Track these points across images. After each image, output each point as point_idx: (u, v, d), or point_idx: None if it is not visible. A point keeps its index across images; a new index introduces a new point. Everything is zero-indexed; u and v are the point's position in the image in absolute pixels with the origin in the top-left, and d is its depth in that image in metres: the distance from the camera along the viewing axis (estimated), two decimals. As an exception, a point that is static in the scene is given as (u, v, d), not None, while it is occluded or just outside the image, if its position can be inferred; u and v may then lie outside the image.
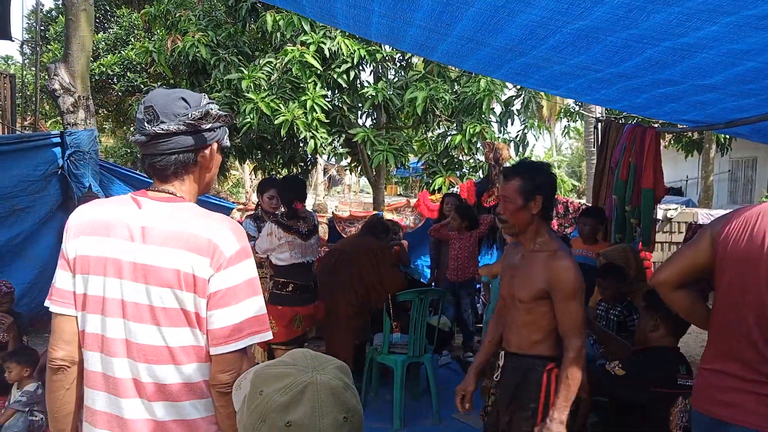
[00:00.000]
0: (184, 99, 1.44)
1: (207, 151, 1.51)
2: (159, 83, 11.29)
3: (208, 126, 1.47)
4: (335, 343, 4.05)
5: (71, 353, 1.43)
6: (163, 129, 1.39)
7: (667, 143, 14.36)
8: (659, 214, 8.45)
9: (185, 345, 1.40)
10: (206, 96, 1.52)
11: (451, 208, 5.65)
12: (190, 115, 1.41)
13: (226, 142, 1.57)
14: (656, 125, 5.47)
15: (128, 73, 12.75)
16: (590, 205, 5.55)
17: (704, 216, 8.47)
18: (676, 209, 8.64)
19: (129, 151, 10.47)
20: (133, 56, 11.81)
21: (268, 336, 1.45)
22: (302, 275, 3.73)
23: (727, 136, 12.15)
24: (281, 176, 10.39)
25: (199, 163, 1.50)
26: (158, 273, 1.37)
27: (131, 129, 14.41)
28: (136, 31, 13.41)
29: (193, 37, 7.66)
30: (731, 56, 2.29)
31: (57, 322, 1.43)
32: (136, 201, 1.44)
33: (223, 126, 1.53)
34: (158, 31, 9.64)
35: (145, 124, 1.41)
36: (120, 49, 13.47)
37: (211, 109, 1.45)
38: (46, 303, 1.45)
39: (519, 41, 2.53)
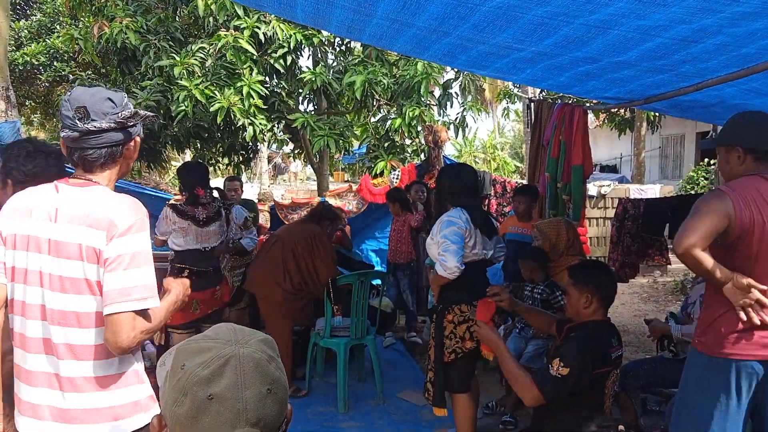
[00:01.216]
0: (110, 99, 1.63)
1: (131, 144, 1.72)
2: (88, 72, 10.83)
3: (133, 123, 1.67)
4: (272, 328, 4.03)
5: None
6: (95, 126, 1.58)
7: (601, 123, 14.87)
8: (593, 191, 8.76)
9: (89, 311, 1.61)
10: (125, 93, 1.72)
11: (417, 196, 5.67)
12: (120, 115, 1.62)
13: (141, 134, 1.76)
14: (587, 104, 5.65)
15: (55, 63, 12.15)
16: (527, 183, 5.69)
17: (635, 191, 8.82)
18: (609, 185, 8.97)
19: (59, 144, 10.00)
20: (59, 44, 11.26)
21: (155, 303, 1.64)
22: (199, 261, 3.75)
23: (656, 115, 12.67)
24: (222, 165, 10.23)
25: (124, 154, 1.70)
26: (66, 248, 1.59)
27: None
28: (60, 19, 12.78)
29: (121, 23, 7.37)
30: (640, 32, 2.39)
31: None
32: (56, 187, 1.65)
33: (140, 118, 1.71)
34: (84, 17, 9.23)
35: (77, 122, 1.58)
36: (45, 37, 12.80)
37: (130, 105, 1.67)
38: None
39: (441, 20, 2.56)
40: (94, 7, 8.58)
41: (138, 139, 1.74)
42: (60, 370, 1.61)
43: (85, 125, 1.57)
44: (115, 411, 1.65)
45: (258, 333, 0.99)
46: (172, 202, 3.91)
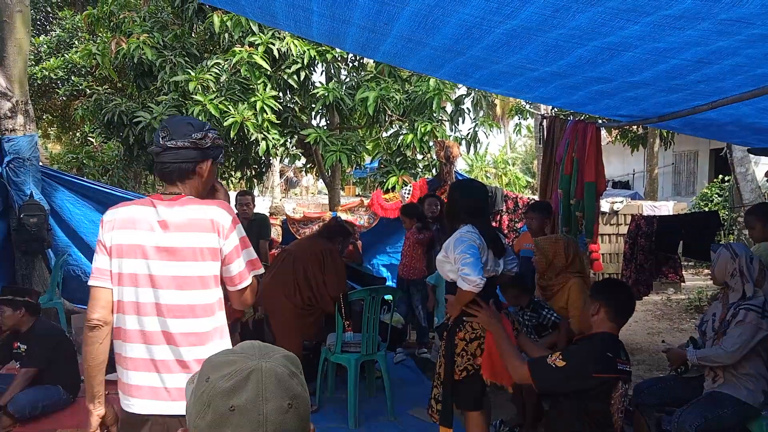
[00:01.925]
0: (190, 123, 1.93)
1: (204, 164, 1.95)
2: (105, 86, 11.00)
3: (207, 145, 1.92)
4: (282, 343, 4.02)
5: (105, 316, 1.87)
6: (172, 143, 1.87)
7: (613, 138, 14.83)
8: (606, 207, 8.71)
9: (201, 303, 1.89)
10: (209, 124, 1.99)
11: (430, 210, 5.67)
12: (193, 136, 1.89)
13: (221, 159, 2.07)
14: (600, 121, 5.64)
15: (72, 77, 12.36)
16: (539, 200, 5.68)
17: (648, 208, 8.77)
18: (622, 202, 8.92)
19: (75, 157, 10.16)
20: (77, 59, 11.47)
21: (262, 271, 2.03)
22: None
23: (670, 131, 12.62)
24: (235, 179, 10.30)
25: (196, 171, 1.94)
26: (179, 252, 1.86)
27: (77, 134, 13.98)
28: (79, 34, 13.01)
29: (138, 38, 7.50)
30: (655, 54, 2.40)
31: (95, 292, 1.88)
32: (152, 203, 1.91)
33: (220, 147, 1.99)
34: (102, 33, 9.39)
35: (160, 139, 1.89)
36: (63, 52, 13.05)
37: (210, 133, 1.94)
38: (90, 282, 1.90)
39: (456, 41, 2.58)
40: (112, 24, 8.72)
41: (210, 162, 1.96)
42: (182, 356, 1.87)
43: (165, 142, 1.88)
44: None
45: (282, 350, 1.00)
46: None
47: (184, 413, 1.45)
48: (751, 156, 9.59)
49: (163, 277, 1.87)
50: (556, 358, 2.36)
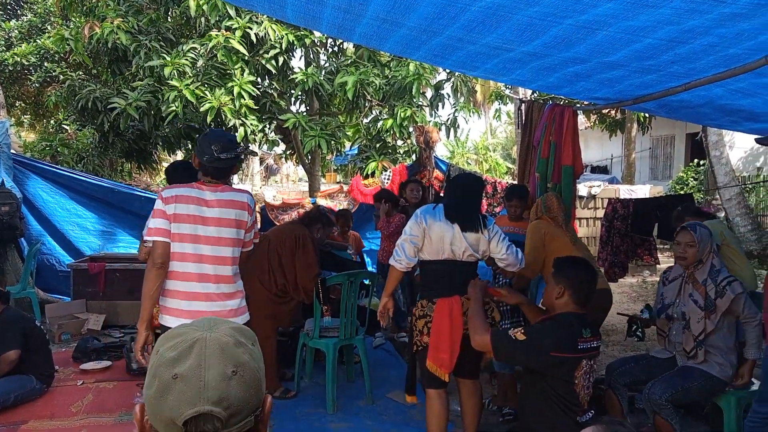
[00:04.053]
0: (232, 140, 2.81)
1: (236, 167, 2.94)
2: (78, 72, 10.76)
3: (241, 155, 2.84)
4: (254, 327, 4.00)
5: (165, 261, 2.64)
6: (224, 155, 2.69)
7: (592, 124, 14.95)
8: (584, 191, 8.80)
9: (235, 256, 2.79)
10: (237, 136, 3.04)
11: (412, 195, 5.65)
12: (238, 150, 2.78)
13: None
14: (578, 105, 5.68)
15: (45, 63, 12.08)
16: (517, 183, 5.70)
17: (625, 192, 8.87)
18: (599, 186, 9.02)
19: (48, 144, 9.93)
20: (50, 45, 11.19)
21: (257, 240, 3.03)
22: None
23: (646, 116, 12.76)
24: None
25: (233, 169, 2.85)
26: (228, 222, 2.73)
27: (51, 122, 13.69)
28: (52, 19, 12.71)
29: (112, 23, 7.33)
30: (629, 33, 2.40)
31: (158, 245, 2.63)
32: (200, 187, 2.72)
33: (246, 153, 3.09)
34: (75, 17, 9.17)
35: (215, 152, 2.67)
36: (35, 37, 12.74)
37: (241, 147, 2.87)
38: (147, 237, 2.70)
39: (431, 20, 2.56)
40: (85, 8, 8.53)
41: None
42: (216, 290, 2.71)
43: (219, 154, 2.67)
44: (240, 310, 2.82)
45: (234, 323, 1.01)
46: None
47: None
48: (725, 140, 9.74)
49: (207, 237, 2.68)
50: (518, 331, 2.45)
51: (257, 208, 7.51)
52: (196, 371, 0.90)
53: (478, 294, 2.87)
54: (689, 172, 12.32)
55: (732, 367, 3.09)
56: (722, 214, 10.03)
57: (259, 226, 6.49)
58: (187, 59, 7.13)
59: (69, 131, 10.79)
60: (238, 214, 2.74)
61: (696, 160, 12.44)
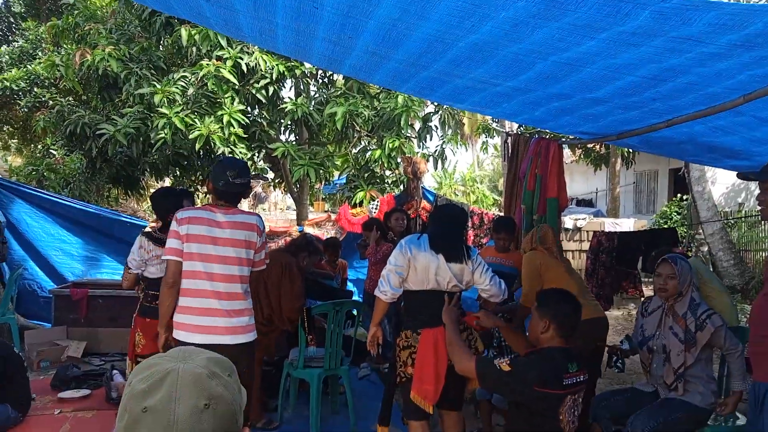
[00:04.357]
0: (245, 167, 3.01)
1: (248, 191, 3.15)
2: (68, 98, 10.78)
3: (253, 178, 3.20)
4: None
5: (177, 279, 2.86)
6: (239, 181, 2.91)
7: (577, 158, 15.16)
8: (570, 224, 8.88)
9: (244, 275, 2.95)
10: (253, 162, 3.54)
11: (397, 224, 5.64)
12: (249, 176, 2.99)
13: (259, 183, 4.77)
14: (563, 139, 5.77)
15: (35, 88, 12.09)
16: (503, 215, 5.74)
17: (610, 225, 8.97)
18: (585, 219, 9.11)
19: (35, 169, 9.89)
20: (40, 71, 11.23)
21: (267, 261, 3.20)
22: None
23: (630, 151, 12.98)
24: (201, 193, 10.18)
25: (245, 193, 3.11)
26: (238, 243, 2.91)
27: (39, 147, 13.63)
28: (43, 45, 12.76)
29: (104, 50, 7.40)
30: (612, 70, 2.47)
31: (170, 264, 2.87)
32: (212, 210, 2.92)
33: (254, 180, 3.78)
34: (66, 44, 9.23)
35: (230, 178, 2.87)
36: (26, 63, 12.76)
37: (255, 174, 3.48)
38: (164, 256, 2.92)
39: (419, 55, 2.62)
40: (77, 35, 8.60)
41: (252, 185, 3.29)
42: (226, 307, 2.86)
43: (233, 180, 2.88)
44: (248, 327, 2.96)
45: (210, 353, 0.99)
46: (146, 230, 3.87)
47: (227, 343, 2.80)
48: (708, 175, 9.92)
49: (219, 257, 2.85)
50: (503, 362, 2.42)
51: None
52: (166, 404, 0.88)
53: (452, 319, 2.89)
54: (672, 207, 12.49)
55: (713, 395, 3.10)
56: (705, 249, 10.15)
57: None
58: (177, 87, 7.19)
59: (56, 156, 10.75)
60: (248, 235, 2.93)
61: (679, 195, 12.62)
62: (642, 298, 7.51)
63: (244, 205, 23.75)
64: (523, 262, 3.82)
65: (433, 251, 2.99)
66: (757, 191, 2.39)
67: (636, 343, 3.44)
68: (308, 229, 7.32)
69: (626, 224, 9.21)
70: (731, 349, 3.08)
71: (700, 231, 10.09)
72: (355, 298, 6.65)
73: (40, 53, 12.69)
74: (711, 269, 9.55)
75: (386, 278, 3.03)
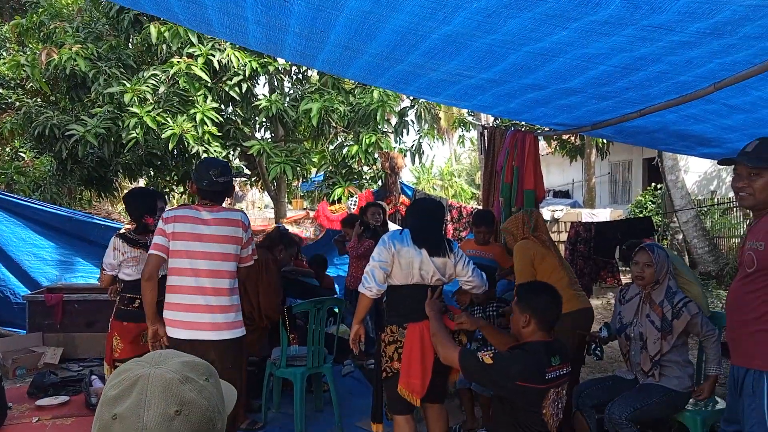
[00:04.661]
0: (226, 166, 3.15)
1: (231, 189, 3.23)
2: (36, 99, 10.52)
3: (236, 176, 3.72)
4: None
5: (153, 274, 2.97)
6: (222, 179, 3.03)
7: (553, 150, 15.30)
8: (547, 215, 8.95)
9: (231, 270, 3.07)
10: (228, 161, 3.56)
11: (374, 218, 5.61)
12: (232, 174, 3.15)
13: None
14: (539, 131, 5.80)
15: (0, 90, 11.79)
16: (482, 208, 5.76)
17: (587, 215, 9.07)
18: (562, 210, 9.19)
19: (3, 173, 9.64)
20: (5, 71, 10.94)
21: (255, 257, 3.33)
22: None
23: (605, 142, 13.14)
24: (177, 194, 10.03)
25: (229, 191, 3.17)
26: (223, 239, 3.02)
27: (6, 149, 13.30)
28: (7, 45, 12.43)
29: (71, 49, 7.23)
30: (584, 60, 2.48)
31: (151, 258, 2.99)
32: (198, 209, 3.04)
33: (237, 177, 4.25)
34: (31, 43, 9.01)
35: (213, 177, 3.00)
36: (-10, 64, 12.42)
37: (237, 171, 4.77)
38: (151, 251, 3.01)
39: (393, 47, 2.60)
40: (42, 34, 8.39)
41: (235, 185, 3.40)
42: (211, 302, 2.96)
43: (217, 179, 3.01)
44: (236, 323, 3.06)
45: (186, 356, 0.96)
46: (121, 231, 3.79)
47: (212, 339, 2.96)
48: (680, 164, 10.08)
49: (204, 253, 2.96)
50: (486, 354, 2.43)
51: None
52: (135, 411, 0.86)
53: (437, 311, 2.90)
54: (647, 196, 12.67)
55: (690, 379, 3.14)
56: (680, 236, 10.32)
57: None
58: (148, 86, 7.06)
59: (26, 159, 10.51)
60: (233, 231, 3.05)
61: (653, 184, 12.81)
62: (620, 286, 7.63)
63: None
64: (516, 253, 3.73)
65: (416, 246, 3.00)
66: (729, 179, 2.43)
67: (614, 330, 3.48)
68: (287, 227, 7.26)
69: (603, 214, 9.32)
70: (708, 335, 3.12)
71: (675, 219, 10.26)
72: (336, 295, 6.62)
73: (4, 53, 12.35)
74: (686, 257, 9.72)
75: (370, 274, 3.00)
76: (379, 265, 2.99)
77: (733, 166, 2.41)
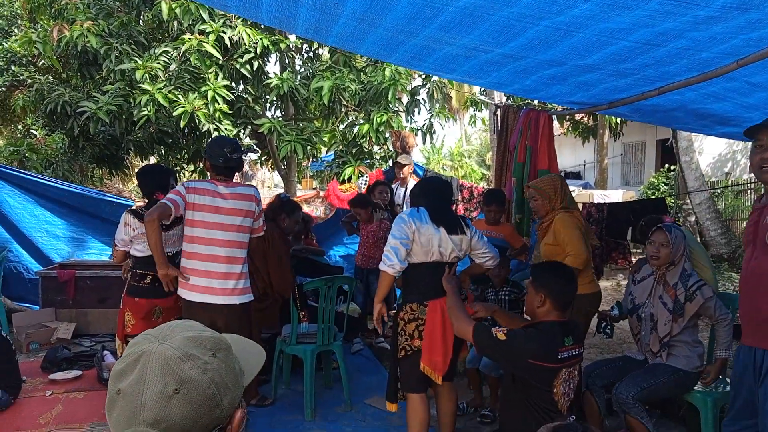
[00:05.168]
0: (238, 143, 3.36)
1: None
2: (47, 76, 10.52)
3: (246, 152, 3.75)
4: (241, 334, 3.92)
5: (156, 217, 3.06)
6: (236, 155, 3.27)
7: (565, 130, 15.14)
8: (559, 196, 8.87)
9: (244, 241, 3.35)
10: (239, 139, 4.19)
11: (381, 197, 5.58)
12: (243, 150, 3.41)
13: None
14: (552, 111, 5.72)
15: (12, 67, 11.77)
16: (494, 188, 5.71)
17: (599, 196, 8.99)
18: (574, 191, 9.10)
19: (16, 150, 9.68)
20: (17, 48, 10.92)
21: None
22: None
23: (618, 122, 12.97)
24: (187, 172, 10.04)
25: (241, 166, 3.43)
26: (239, 212, 3.29)
27: (19, 126, 13.35)
28: (19, 22, 12.41)
29: (82, 26, 7.19)
30: (605, 35, 2.42)
31: (160, 205, 3.12)
32: (215, 182, 3.29)
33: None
34: (43, 20, 8.98)
35: (228, 153, 3.22)
36: (1, 40, 12.42)
37: (247, 147, 4.92)
38: (162, 200, 3.17)
39: (408, 20, 2.55)
40: (53, 10, 8.35)
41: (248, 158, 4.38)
42: (225, 270, 3.24)
43: (231, 155, 3.24)
44: (246, 289, 3.35)
45: (195, 330, 0.94)
46: (133, 208, 3.80)
47: (219, 303, 3.24)
48: (695, 146, 9.94)
49: (221, 224, 3.19)
50: (500, 330, 2.44)
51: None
52: (135, 388, 0.85)
53: (454, 286, 2.93)
54: (660, 178, 12.53)
55: (699, 359, 3.12)
56: (693, 218, 10.22)
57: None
58: (159, 63, 7.02)
59: (38, 136, 10.54)
60: (248, 204, 3.30)
61: (666, 166, 12.67)
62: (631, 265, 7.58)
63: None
64: (565, 224, 3.46)
65: (434, 224, 3.02)
66: (744, 161, 2.36)
67: (626, 310, 3.45)
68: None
69: (614, 196, 9.23)
70: (720, 318, 3.09)
71: (688, 201, 10.15)
72: (345, 274, 6.63)
73: (15, 30, 12.33)
74: (698, 239, 9.64)
75: (393, 252, 2.98)
76: (400, 242, 2.97)
77: (751, 144, 2.35)
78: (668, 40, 2.43)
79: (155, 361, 0.86)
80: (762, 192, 2.45)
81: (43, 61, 10.23)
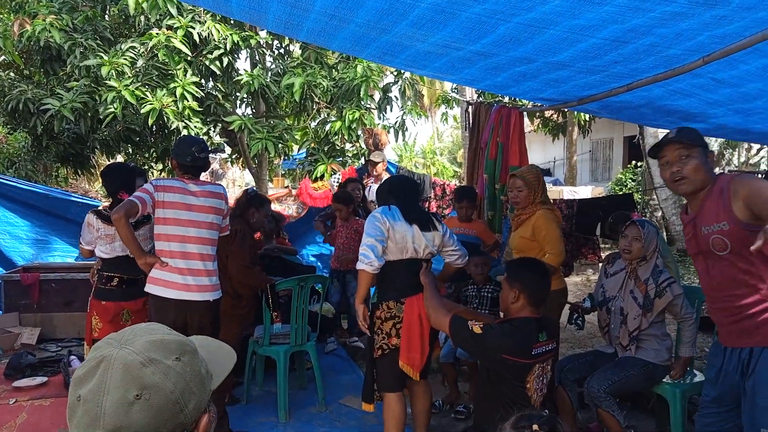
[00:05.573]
0: (204, 142, 3.35)
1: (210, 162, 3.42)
2: (8, 72, 10.21)
3: (212, 152, 3.59)
4: (222, 334, 3.81)
5: (123, 215, 2.95)
6: (203, 155, 3.26)
7: (535, 127, 15.31)
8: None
9: (214, 238, 3.30)
10: (209, 137, 4.53)
11: (355, 194, 5.51)
12: (209, 150, 3.37)
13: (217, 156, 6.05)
14: (522, 106, 5.77)
15: (-29, 63, 11.40)
16: (465, 185, 5.72)
17: (568, 192, 9.10)
18: (545, 188, 9.21)
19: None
20: (-24, 43, 10.58)
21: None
22: (128, 268, 3.54)
23: (587, 119, 13.16)
24: (156, 171, 9.85)
25: (207, 165, 3.40)
26: (210, 209, 3.24)
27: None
28: (-23, 16, 12.01)
29: (45, 20, 6.97)
30: (575, 32, 2.43)
31: (127, 202, 3.02)
32: (184, 180, 3.22)
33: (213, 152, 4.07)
34: (3, 14, 8.70)
35: (195, 153, 3.21)
36: (-41, 35, 12.01)
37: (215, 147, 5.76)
38: (130, 198, 3.07)
39: (380, 16, 2.53)
40: (14, 3, 8.09)
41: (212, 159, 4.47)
42: (197, 267, 3.18)
43: (199, 155, 3.22)
44: (217, 286, 3.29)
45: (159, 334, 0.91)
46: (98, 208, 3.70)
47: (195, 300, 3.16)
48: (662, 142, 10.11)
49: (192, 221, 3.16)
50: (476, 324, 2.47)
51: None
52: (95, 395, 0.82)
53: (431, 280, 2.95)
54: (627, 174, 12.77)
55: (668, 351, 3.18)
56: (659, 214, 10.43)
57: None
58: (126, 59, 6.86)
59: (-1, 135, 10.24)
60: (217, 202, 3.27)
61: (634, 162, 12.91)
62: (601, 264, 7.69)
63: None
64: (543, 221, 3.49)
65: (407, 222, 3.03)
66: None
67: (597, 302, 3.50)
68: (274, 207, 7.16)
69: (584, 192, 9.36)
70: (685, 317, 3.15)
71: (654, 197, 10.36)
72: (318, 273, 6.58)
73: (-25, 26, 11.96)
74: (665, 234, 9.84)
75: (369, 249, 2.96)
76: (376, 239, 2.96)
77: (658, 162, 2.36)
78: (637, 37, 2.46)
79: (116, 367, 0.84)
80: (684, 202, 2.45)
81: (3, 57, 9.92)
